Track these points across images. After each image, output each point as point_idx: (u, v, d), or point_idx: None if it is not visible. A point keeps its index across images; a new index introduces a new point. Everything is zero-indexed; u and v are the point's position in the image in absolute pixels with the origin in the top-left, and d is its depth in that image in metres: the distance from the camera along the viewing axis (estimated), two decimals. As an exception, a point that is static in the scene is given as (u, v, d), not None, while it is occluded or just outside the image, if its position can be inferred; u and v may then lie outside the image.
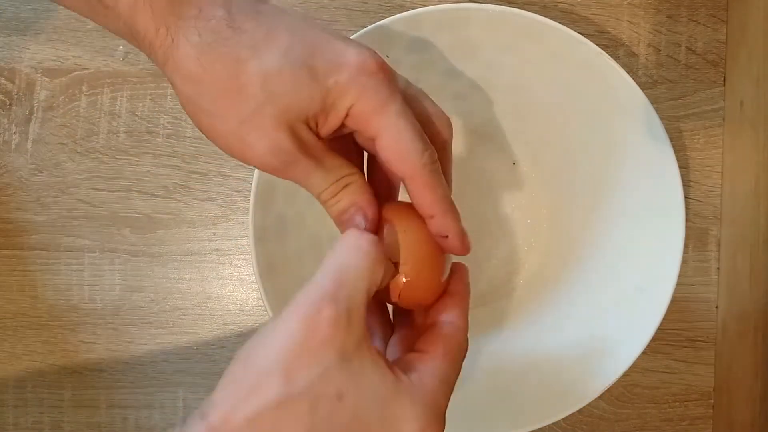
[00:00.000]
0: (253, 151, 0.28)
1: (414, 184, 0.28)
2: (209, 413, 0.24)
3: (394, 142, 0.28)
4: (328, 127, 0.28)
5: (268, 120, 0.27)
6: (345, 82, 0.27)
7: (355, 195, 0.29)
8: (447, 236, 0.29)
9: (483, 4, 0.40)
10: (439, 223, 0.29)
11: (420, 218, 0.30)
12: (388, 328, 0.32)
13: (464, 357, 0.29)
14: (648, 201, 0.42)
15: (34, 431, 0.47)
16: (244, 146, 0.28)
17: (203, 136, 0.47)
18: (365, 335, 0.26)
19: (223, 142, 0.28)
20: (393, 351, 0.31)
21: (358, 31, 0.39)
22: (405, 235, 0.29)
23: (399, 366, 0.27)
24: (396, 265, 0.29)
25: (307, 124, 0.28)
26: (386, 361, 0.26)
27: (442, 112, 0.31)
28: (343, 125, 0.28)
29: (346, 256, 0.26)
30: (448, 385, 0.28)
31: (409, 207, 0.30)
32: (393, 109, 0.27)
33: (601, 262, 0.44)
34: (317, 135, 0.28)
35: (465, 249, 0.30)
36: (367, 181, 0.30)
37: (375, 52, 0.28)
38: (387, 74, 0.28)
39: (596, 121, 0.43)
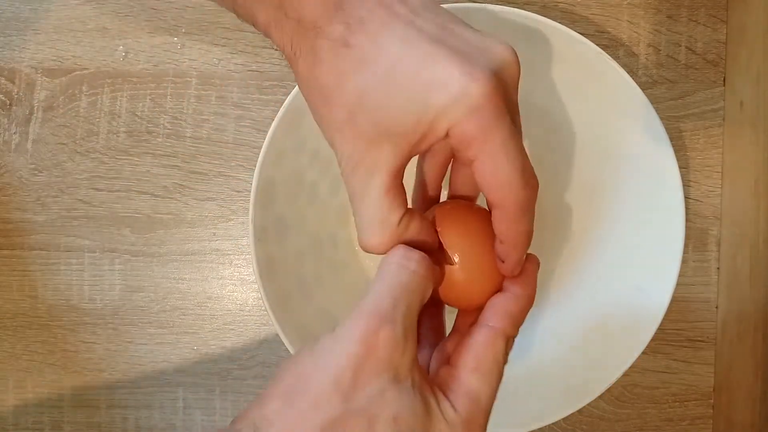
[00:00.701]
0: (339, 154, 0.28)
1: (499, 214, 0.28)
2: (264, 430, 0.24)
3: (491, 172, 0.27)
4: (425, 144, 0.27)
5: (353, 131, 0.27)
6: (444, 104, 0.26)
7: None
8: (503, 261, 0.29)
9: (483, 4, 0.40)
10: (503, 250, 0.29)
11: (476, 219, 0.30)
12: (440, 334, 0.32)
13: (502, 367, 0.28)
14: (648, 201, 0.42)
15: (34, 431, 0.47)
16: (333, 148, 0.28)
17: (203, 136, 0.47)
18: (416, 356, 0.26)
19: (324, 136, 0.29)
20: (435, 360, 0.30)
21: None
22: (453, 238, 0.30)
23: (436, 383, 0.27)
24: (442, 263, 0.30)
25: (399, 142, 0.27)
26: (429, 384, 0.27)
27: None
28: (443, 140, 0.28)
29: (397, 275, 0.27)
30: (481, 404, 0.27)
31: (468, 207, 0.30)
32: (495, 140, 0.26)
33: (601, 262, 0.44)
34: (408, 154, 0.28)
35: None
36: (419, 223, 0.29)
37: (489, 77, 0.26)
38: (494, 102, 0.26)
39: (596, 121, 0.43)
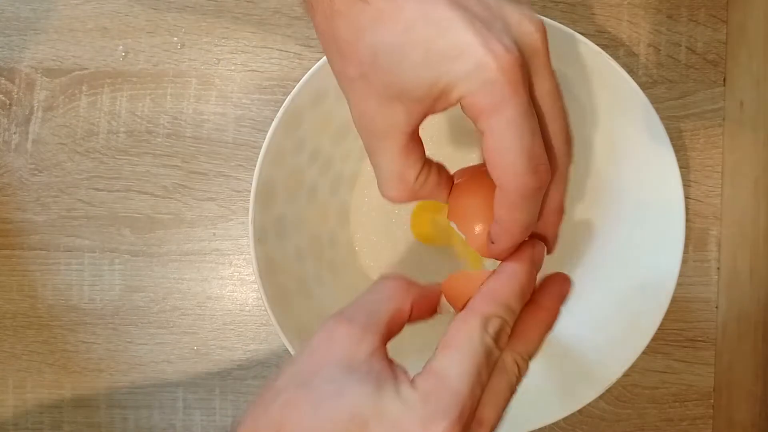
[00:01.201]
0: (352, 108, 0.28)
1: (499, 195, 0.27)
2: (235, 429, 0.26)
3: (495, 151, 0.26)
4: (438, 108, 0.27)
5: (366, 89, 0.27)
6: (458, 74, 0.25)
7: None
8: (493, 242, 0.29)
9: (483, 4, 0.40)
10: (495, 231, 0.28)
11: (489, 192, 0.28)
12: None
13: (478, 347, 0.25)
14: (648, 201, 0.42)
15: (34, 431, 0.47)
16: (349, 100, 0.28)
17: (203, 136, 0.47)
18: (378, 348, 0.26)
19: (340, 86, 0.29)
20: None
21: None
22: (459, 211, 0.30)
23: (425, 369, 0.26)
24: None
25: (410, 105, 0.27)
26: (392, 370, 0.26)
27: (566, 137, 0.28)
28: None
29: (370, 290, 0.28)
30: (445, 380, 0.24)
31: (484, 178, 0.29)
32: (505, 116, 0.25)
33: (601, 262, 0.44)
34: (421, 116, 0.27)
35: (498, 258, 0.29)
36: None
37: (509, 49, 0.25)
38: (510, 77, 0.25)
39: (596, 121, 0.43)
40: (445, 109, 0.27)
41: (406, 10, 0.25)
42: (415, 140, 0.28)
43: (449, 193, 0.31)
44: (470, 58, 0.25)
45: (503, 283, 0.27)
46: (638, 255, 0.43)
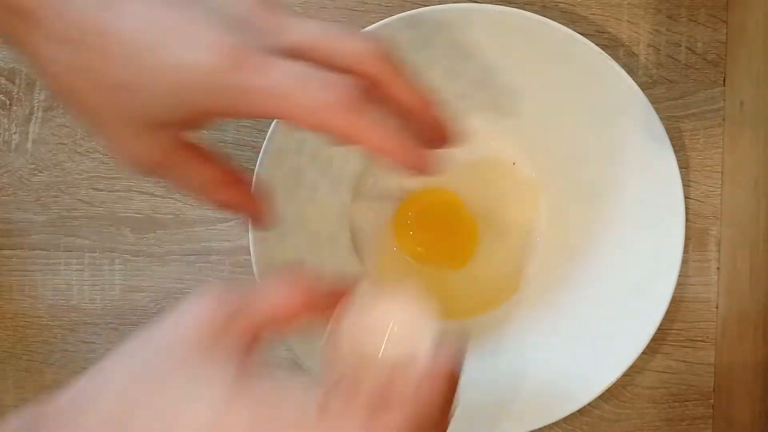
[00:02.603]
0: (122, 159, 0.27)
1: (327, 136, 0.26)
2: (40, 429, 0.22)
3: (282, 113, 0.25)
4: (197, 124, 0.26)
5: (124, 127, 0.26)
6: (190, 85, 0.24)
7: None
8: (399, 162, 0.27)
9: (483, 4, 0.40)
10: (381, 150, 0.26)
11: None
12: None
13: None
14: (648, 201, 0.42)
15: (34, 431, 0.47)
16: (113, 152, 0.27)
17: (204, 136, 0.47)
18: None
19: (100, 143, 0.28)
20: None
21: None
22: None
23: None
24: None
25: (170, 127, 0.26)
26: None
27: (350, 39, 0.27)
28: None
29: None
30: None
31: None
32: (256, 97, 0.24)
33: (601, 262, 0.44)
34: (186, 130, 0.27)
35: (420, 170, 0.27)
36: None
37: (226, 37, 0.23)
38: (237, 66, 0.23)
39: (596, 121, 0.43)
40: (204, 123, 0.26)
41: (125, 32, 0.24)
42: (190, 156, 0.28)
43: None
44: (193, 65, 0.23)
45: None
46: (638, 255, 0.43)
